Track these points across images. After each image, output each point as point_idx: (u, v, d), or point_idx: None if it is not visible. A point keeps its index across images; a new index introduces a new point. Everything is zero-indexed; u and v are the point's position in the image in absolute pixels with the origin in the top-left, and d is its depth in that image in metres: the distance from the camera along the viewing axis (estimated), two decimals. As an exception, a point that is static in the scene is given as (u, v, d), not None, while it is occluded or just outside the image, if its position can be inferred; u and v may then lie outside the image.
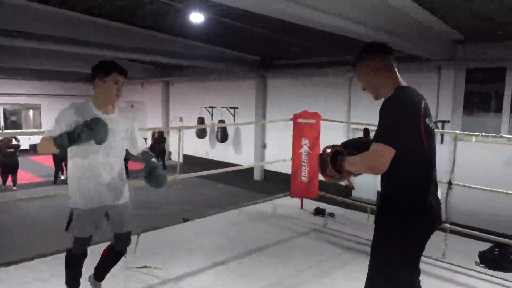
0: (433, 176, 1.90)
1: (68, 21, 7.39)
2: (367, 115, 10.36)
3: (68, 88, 19.03)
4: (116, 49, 9.24)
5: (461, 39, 8.15)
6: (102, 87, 2.39)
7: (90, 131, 2.19)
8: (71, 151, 2.37)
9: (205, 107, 14.93)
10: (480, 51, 8.30)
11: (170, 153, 16.99)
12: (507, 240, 3.63)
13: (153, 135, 14.62)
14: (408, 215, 1.81)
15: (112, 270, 2.80)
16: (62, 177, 12.27)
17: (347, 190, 11.09)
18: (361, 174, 2.02)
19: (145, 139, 13.49)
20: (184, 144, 16.58)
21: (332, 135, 10.79)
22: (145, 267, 3.36)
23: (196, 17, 7.22)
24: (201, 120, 14.53)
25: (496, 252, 3.51)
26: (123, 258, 3.43)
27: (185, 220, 3.89)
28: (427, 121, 1.86)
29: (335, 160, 1.97)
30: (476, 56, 8.40)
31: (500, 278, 3.26)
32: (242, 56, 11.73)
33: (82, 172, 2.39)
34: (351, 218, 4.90)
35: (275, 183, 11.13)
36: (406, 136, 1.78)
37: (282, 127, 5.09)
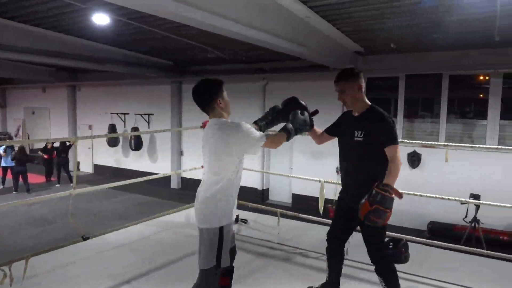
0: None
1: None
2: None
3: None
4: (14, 50, 8.31)
5: (361, 51, 8.88)
6: (224, 102, 2.48)
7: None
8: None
9: (117, 114, 14.15)
10: (377, 62, 9.13)
11: (79, 163, 15.72)
12: (399, 234, 3.99)
13: (45, 147, 13.39)
14: None
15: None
16: (58, 185, 12.69)
17: (262, 195, 11.35)
18: None
19: (43, 149, 12.24)
20: (94, 153, 15.50)
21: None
22: (36, 294, 3.01)
23: (101, 19, 6.81)
24: (112, 128, 13.71)
25: (391, 246, 3.81)
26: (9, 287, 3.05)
27: (85, 238, 3.56)
28: None
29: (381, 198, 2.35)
30: (374, 66, 9.23)
31: (394, 271, 3.55)
32: (155, 61, 11.37)
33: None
34: (264, 223, 4.97)
35: (194, 191, 10.92)
36: None
37: (200, 134, 4.98)
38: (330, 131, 3.00)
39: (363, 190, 2.47)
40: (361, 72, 2.77)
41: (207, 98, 2.41)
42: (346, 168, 2.81)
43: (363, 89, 2.71)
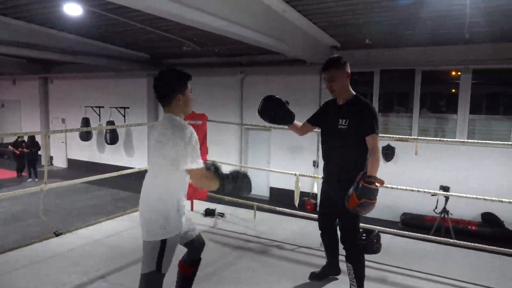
0: None
1: None
2: (259, 116, 10.80)
3: None
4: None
5: (337, 45, 8.98)
6: (184, 99, 2.21)
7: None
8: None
9: (91, 107, 13.82)
10: (353, 57, 9.26)
11: (51, 158, 15.32)
12: (371, 226, 4.11)
13: (15, 141, 12.97)
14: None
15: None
16: (30, 180, 12.29)
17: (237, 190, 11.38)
18: None
19: (14, 144, 11.82)
20: (68, 147, 15.11)
21: (226, 135, 10.97)
22: (6, 292, 2.93)
23: (73, 9, 6.61)
24: (86, 121, 13.38)
25: (364, 237, 3.91)
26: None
27: (57, 234, 3.48)
28: None
29: (364, 189, 2.44)
30: (350, 61, 9.33)
31: (367, 260, 3.65)
32: (130, 54, 11.15)
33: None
34: (240, 216, 5.00)
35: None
36: None
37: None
38: (313, 121, 3.04)
39: (344, 177, 2.64)
40: (347, 61, 2.81)
41: (167, 90, 2.16)
42: (329, 156, 2.87)
43: (349, 77, 2.77)
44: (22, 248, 3.57)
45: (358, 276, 2.80)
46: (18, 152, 12.86)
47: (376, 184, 2.44)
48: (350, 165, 2.69)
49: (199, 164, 2.08)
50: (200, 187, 2.24)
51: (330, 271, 3.23)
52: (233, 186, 2.19)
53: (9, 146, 13.38)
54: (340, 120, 2.70)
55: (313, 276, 3.21)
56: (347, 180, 2.59)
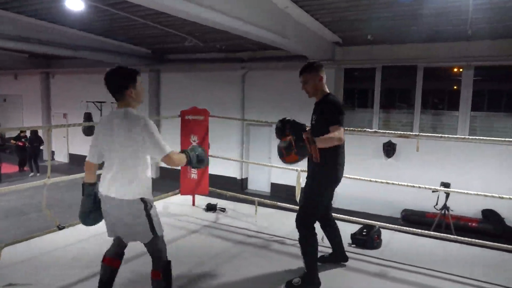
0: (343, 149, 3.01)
1: None
2: (260, 110, 10.81)
3: None
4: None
5: (339, 41, 8.97)
6: (136, 92, 2.44)
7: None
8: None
9: (93, 102, 13.83)
10: (355, 53, 9.25)
11: (53, 153, 15.36)
12: (372, 222, 4.13)
13: (17, 135, 13.03)
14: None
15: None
16: (32, 174, 12.55)
17: (241, 184, 11.42)
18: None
19: (16, 138, 11.87)
20: (70, 142, 15.15)
21: (228, 131, 10.99)
22: (11, 285, 2.96)
23: (75, 4, 6.61)
24: (88, 116, 13.39)
25: (364, 233, 3.95)
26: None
27: (60, 227, 3.52)
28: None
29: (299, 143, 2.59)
30: (351, 57, 9.35)
31: (367, 256, 3.68)
32: (132, 49, 11.14)
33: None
34: (242, 211, 5.02)
35: (172, 180, 10.86)
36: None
37: (179, 123, 4.98)
38: None
39: (313, 171, 2.97)
40: (323, 66, 3.05)
41: (118, 86, 2.39)
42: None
43: (324, 80, 2.99)
44: (26, 241, 3.60)
45: (307, 255, 2.97)
46: (22, 144, 12.92)
47: (309, 143, 2.59)
48: (322, 155, 2.79)
49: (168, 149, 2.37)
50: (174, 165, 2.48)
51: (337, 257, 3.41)
52: (194, 158, 2.55)
53: (12, 141, 13.42)
54: (313, 116, 3.02)
55: (322, 260, 3.36)
56: (314, 172, 2.96)
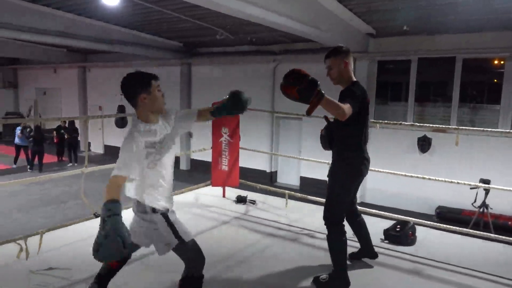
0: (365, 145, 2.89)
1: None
2: (291, 104, 10.74)
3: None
4: (24, 30, 8.34)
5: (373, 33, 8.72)
6: (150, 97, 2.21)
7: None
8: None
9: (127, 95, 14.19)
10: (389, 44, 8.97)
11: (89, 144, 15.95)
12: (407, 217, 4.02)
13: (57, 126, 13.66)
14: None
15: (9, 275, 2.54)
16: (70, 164, 13.18)
17: (270, 177, 11.42)
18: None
19: (58, 130, 12.38)
20: (105, 134, 15.66)
21: (258, 124, 11.00)
22: (51, 269, 3.10)
23: (111, -1, 6.79)
24: (121, 109, 13.76)
25: (398, 229, 3.84)
26: (24, 261, 3.17)
27: (97, 215, 3.65)
28: (368, 106, 2.83)
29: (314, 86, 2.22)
30: (385, 49, 9.07)
31: (401, 252, 3.59)
32: (164, 42, 11.33)
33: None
34: (272, 204, 5.02)
35: (202, 172, 11.02)
36: (359, 108, 2.62)
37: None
38: None
39: (336, 163, 2.92)
40: (349, 51, 2.87)
41: (131, 92, 2.21)
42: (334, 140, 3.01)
43: (350, 67, 2.83)
44: (64, 228, 3.76)
45: (335, 252, 2.90)
46: (57, 139, 13.55)
47: (313, 95, 2.22)
48: (341, 148, 2.87)
49: (115, 172, 2.15)
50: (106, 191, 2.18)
51: (365, 254, 3.32)
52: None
53: (54, 132, 14.05)
54: None
55: (351, 256, 3.30)
56: (333, 165, 2.94)
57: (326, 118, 2.99)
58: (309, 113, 2.28)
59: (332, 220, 2.89)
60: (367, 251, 3.31)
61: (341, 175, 2.89)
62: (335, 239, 2.90)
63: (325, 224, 2.93)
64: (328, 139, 3.00)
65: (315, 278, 2.97)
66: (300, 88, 2.19)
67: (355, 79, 2.85)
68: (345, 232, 2.93)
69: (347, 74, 2.82)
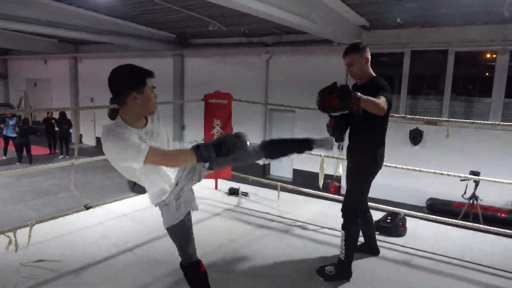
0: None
1: None
2: (284, 95, 10.72)
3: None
4: (14, 20, 8.19)
5: (366, 25, 8.70)
6: (142, 98, 1.89)
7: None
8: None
9: (119, 87, 14.05)
10: (382, 37, 8.96)
11: (81, 136, 15.81)
12: (397, 209, 4.05)
13: (46, 118, 13.52)
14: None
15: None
16: (61, 157, 13.10)
17: (263, 170, 11.44)
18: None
19: (49, 121, 12.15)
20: (97, 126, 15.52)
21: (251, 116, 10.96)
22: (41, 260, 3.08)
23: (101, -12, 6.67)
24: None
25: (389, 220, 3.88)
26: (14, 254, 3.15)
27: (87, 207, 3.63)
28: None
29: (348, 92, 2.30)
30: (379, 41, 9.06)
31: (392, 243, 3.62)
32: (157, 33, 11.20)
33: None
34: (264, 196, 5.03)
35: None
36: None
37: (202, 107, 4.99)
38: None
39: (360, 154, 2.88)
40: (367, 46, 2.92)
41: (120, 88, 1.88)
42: (350, 136, 2.99)
43: (369, 62, 2.86)
44: (54, 220, 3.73)
45: (347, 243, 2.87)
46: (45, 118, 13.54)
47: (354, 97, 2.30)
48: (364, 144, 2.86)
49: (141, 159, 1.83)
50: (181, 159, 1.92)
51: (367, 249, 3.33)
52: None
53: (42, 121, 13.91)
54: None
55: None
56: (356, 156, 2.91)
57: (356, 110, 2.47)
58: (358, 113, 2.33)
59: (350, 211, 2.88)
60: (370, 247, 3.33)
61: (366, 166, 2.89)
62: (351, 230, 2.89)
63: (342, 216, 2.91)
64: (340, 131, 2.97)
65: (320, 269, 2.97)
66: (338, 94, 2.29)
67: (374, 74, 2.85)
68: (358, 224, 2.94)
69: (368, 70, 2.84)
